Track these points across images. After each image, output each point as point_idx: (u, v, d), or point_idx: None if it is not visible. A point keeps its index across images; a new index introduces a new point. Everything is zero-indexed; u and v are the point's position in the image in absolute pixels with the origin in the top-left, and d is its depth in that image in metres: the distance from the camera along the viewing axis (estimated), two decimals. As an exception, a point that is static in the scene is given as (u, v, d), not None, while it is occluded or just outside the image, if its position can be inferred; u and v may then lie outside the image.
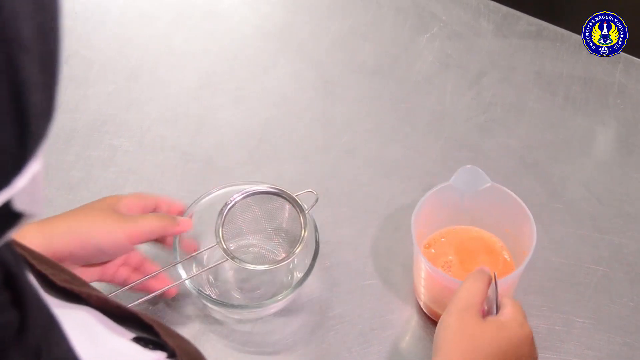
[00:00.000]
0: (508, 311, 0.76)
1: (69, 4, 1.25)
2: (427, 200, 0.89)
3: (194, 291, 0.86)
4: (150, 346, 0.54)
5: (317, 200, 0.90)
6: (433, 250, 0.93)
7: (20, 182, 0.33)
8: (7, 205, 0.33)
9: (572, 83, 1.16)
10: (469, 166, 0.91)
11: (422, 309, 0.93)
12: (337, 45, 1.22)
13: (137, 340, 0.54)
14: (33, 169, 0.34)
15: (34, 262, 0.54)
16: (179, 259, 0.87)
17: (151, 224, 0.82)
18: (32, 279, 0.46)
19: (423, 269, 0.86)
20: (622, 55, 1.17)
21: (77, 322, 0.51)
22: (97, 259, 0.83)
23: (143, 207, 0.86)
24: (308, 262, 0.88)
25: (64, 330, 0.45)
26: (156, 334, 0.55)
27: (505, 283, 0.82)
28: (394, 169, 1.07)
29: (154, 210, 0.87)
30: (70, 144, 1.08)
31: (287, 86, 1.17)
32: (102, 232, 0.80)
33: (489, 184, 0.90)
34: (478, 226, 0.95)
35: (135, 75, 1.17)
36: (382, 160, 1.08)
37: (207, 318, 0.93)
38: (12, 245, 0.44)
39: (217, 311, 0.92)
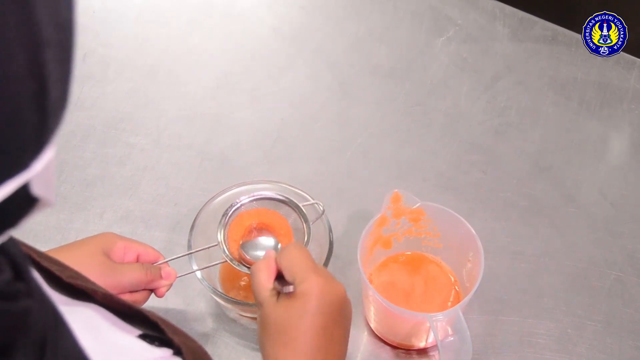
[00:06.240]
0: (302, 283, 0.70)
1: (87, 3, 1.27)
2: (373, 228, 0.89)
3: (207, 289, 0.86)
4: (156, 343, 0.54)
5: (323, 212, 0.90)
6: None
7: (38, 166, 0.35)
8: (26, 190, 0.36)
9: (586, 88, 1.16)
10: (394, 190, 0.88)
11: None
12: (353, 47, 1.23)
13: (143, 337, 0.54)
14: (48, 155, 0.36)
15: (39, 259, 0.54)
16: (189, 256, 0.87)
17: (136, 276, 0.79)
18: (37, 275, 0.46)
19: (371, 297, 0.85)
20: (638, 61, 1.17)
21: (82, 319, 0.52)
22: None
23: (136, 259, 0.82)
24: (321, 262, 0.88)
25: (69, 326, 0.46)
26: (161, 331, 0.55)
27: (447, 316, 0.80)
28: (408, 171, 1.07)
29: (138, 257, 0.83)
30: (87, 142, 1.09)
31: (303, 87, 1.18)
32: None
33: (419, 204, 0.89)
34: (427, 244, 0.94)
35: (153, 74, 1.18)
36: (396, 161, 1.08)
37: (221, 316, 0.94)
38: (17, 243, 0.45)
39: (230, 309, 0.93)
